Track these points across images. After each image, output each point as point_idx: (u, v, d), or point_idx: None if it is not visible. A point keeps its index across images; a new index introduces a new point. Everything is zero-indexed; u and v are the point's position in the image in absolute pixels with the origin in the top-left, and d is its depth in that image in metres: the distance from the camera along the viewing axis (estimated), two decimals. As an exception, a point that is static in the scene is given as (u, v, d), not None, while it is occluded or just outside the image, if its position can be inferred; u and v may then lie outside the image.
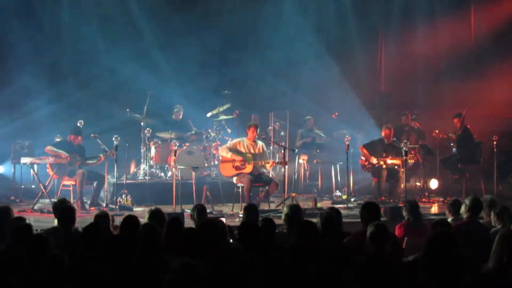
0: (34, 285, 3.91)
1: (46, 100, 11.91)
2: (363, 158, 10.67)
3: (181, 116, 11.86)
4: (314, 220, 5.48)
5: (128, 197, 9.71)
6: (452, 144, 11.33)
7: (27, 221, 5.37)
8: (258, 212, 6.44)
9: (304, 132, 12.59)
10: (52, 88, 12.06)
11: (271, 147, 11.38)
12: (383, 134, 10.76)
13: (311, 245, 3.97)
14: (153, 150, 11.12)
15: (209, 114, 11.81)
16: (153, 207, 5.83)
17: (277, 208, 9.20)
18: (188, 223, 6.38)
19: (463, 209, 6.18)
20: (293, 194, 9.50)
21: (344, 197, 10.50)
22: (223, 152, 9.79)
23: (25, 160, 9.96)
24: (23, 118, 11.68)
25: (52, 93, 12.02)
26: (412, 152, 10.93)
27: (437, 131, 11.59)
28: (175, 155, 9.70)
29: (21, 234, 4.65)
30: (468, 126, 11.11)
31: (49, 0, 12.28)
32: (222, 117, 11.72)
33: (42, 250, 4.09)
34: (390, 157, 10.43)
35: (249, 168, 9.55)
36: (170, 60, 12.87)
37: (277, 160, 10.33)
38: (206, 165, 11.15)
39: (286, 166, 9.50)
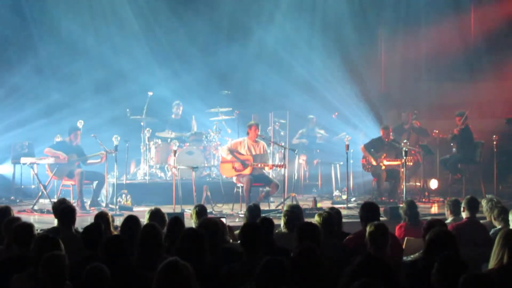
0: (35, 286, 3.91)
1: (41, 98, 11.91)
2: (364, 157, 10.70)
3: (180, 112, 11.84)
4: (313, 219, 5.48)
5: (128, 197, 9.70)
6: (452, 144, 11.34)
7: (27, 222, 5.36)
8: (261, 212, 6.43)
9: (306, 132, 12.60)
10: (46, 87, 12.07)
11: (271, 147, 11.39)
12: (381, 133, 10.81)
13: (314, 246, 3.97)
14: (153, 150, 11.12)
15: (209, 110, 11.82)
16: (153, 207, 5.83)
17: (277, 208, 9.20)
18: (188, 223, 6.38)
19: (461, 210, 6.20)
20: (293, 194, 9.52)
21: (344, 197, 10.50)
22: (224, 153, 9.78)
23: (25, 160, 9.96)
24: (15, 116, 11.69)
25: (47, 92, 12.03)
26: (412, 152, 10.94)
27: (437, 131, 11.60)
28: (175, 155, 9.71)
29: (23, 234, 4.64)
30: (470, 126, 11.10)
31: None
32: (222, 117, 11.72)
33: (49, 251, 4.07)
34: (390, 158, 10.44)
35: (248, 170, 9.55)
36: (171, 60, 12.88)
37: (276, 163, 10.30)
38: (206, 165, 11.15)
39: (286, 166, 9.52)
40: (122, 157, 10.03)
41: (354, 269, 3.65)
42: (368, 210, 5.62)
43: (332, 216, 5.58)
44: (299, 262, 3.83)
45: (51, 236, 4.38)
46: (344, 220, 6.16)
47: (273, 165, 9.81)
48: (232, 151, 9.69)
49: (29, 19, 11.98)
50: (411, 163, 10.72)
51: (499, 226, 5.81)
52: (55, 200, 7.70)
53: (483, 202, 6.32)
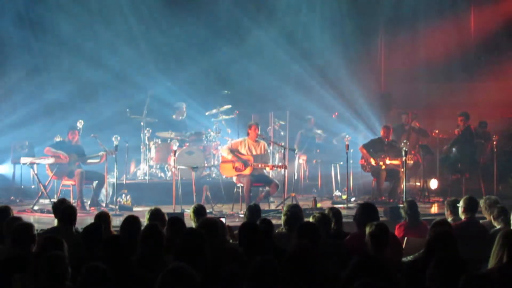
0: (36, 285, 3.91)
1: (40, 98, 11.91)
2: (363, 158, 10.69)
3: (184, 115, 11.81)
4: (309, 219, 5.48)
5: (128, 197, 9.71)
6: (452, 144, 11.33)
7: (27, 222, 5.36)
8: (261, 213, 6.43)
9: (305, 132, 12.60)
10: (45, 86, 12.08)
11: (271, 147, 11.39)
12: (381, 133, 10.80)
13: (311, 246, 3.99)
14: (153, 150, 11.12)
15: (207, 113, 11.82)
16: (153, 207, 5.83)
17: (277, 208, 9.20)
18: (188, 223, 6.38)
19: (460, 210, 6.18)
20: (293, 194, 9.52)
21: (344, 197, 10.50)
22: (224, 153, 9.79)
23: (25, 160, 9.96)
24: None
25: (46, 91, 12.04)
26: (412, 152, 10.93)
27: (437, 131, 11.59)
28: (175, 155, 9.71)
29: (23, 234, 4.65)
30: (472, 127, 11.10)
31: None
32: (222, 117, 11.71)
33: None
34: (389, 157, 10.43)
35: (248, 170, 9.55)
36: (170, 60, 12.88)
37: (276, 163, 10.27)
38: (206, 165, 11.14)
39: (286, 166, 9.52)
40: (122, 157, 10.04)
41: (353, 269, 3.65)
42: (368, 213, 5.59)
43: (326, 217, 5.57)
44: (294, 261, 3.82)
45: (55, 236, 4.38)
46: (344, 220, 6.15)
47: (273, 166, 9.81)
48: (233, 150, 9.70)
49: (29, 19, 11.97)
50: (412, 161, 10.72)
51: (499, 226, 5.81)
52: (55, 200, 7.70)
53: (482, 202, 6.30)
